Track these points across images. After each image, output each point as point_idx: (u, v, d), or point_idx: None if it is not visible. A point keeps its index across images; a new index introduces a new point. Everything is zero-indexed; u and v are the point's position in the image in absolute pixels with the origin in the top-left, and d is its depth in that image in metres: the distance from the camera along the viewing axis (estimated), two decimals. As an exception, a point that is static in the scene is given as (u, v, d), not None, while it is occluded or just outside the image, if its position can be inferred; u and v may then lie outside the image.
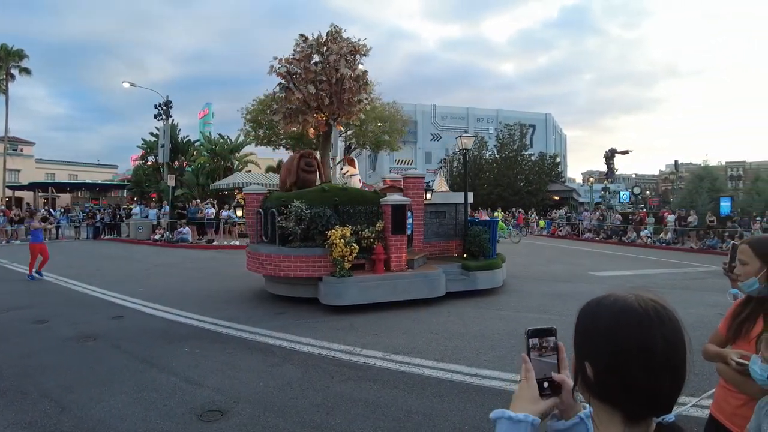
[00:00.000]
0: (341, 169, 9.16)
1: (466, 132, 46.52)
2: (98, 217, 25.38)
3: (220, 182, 25.99)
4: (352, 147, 35.42)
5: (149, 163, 34.61)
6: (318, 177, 9.54)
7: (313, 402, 4.11)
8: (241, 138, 32.52)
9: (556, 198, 38.51)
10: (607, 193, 34.86)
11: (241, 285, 10.15)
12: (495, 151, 39.33)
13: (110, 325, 6.88)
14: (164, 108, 26.35)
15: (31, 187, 46.07)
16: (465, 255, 9.79)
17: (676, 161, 51.43)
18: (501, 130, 38.93)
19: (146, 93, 28.72)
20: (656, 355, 0.84)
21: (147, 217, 23.10)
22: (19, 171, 51.39)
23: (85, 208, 28.55)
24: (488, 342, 5.92)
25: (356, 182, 9.37)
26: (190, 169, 31.82)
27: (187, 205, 23.17)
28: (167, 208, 22.63)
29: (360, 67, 10.65)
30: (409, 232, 8.82)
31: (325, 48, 10.31)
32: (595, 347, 0.90)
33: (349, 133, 32.34)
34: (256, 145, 33.72)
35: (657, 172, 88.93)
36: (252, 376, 4.77)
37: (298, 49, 10.44)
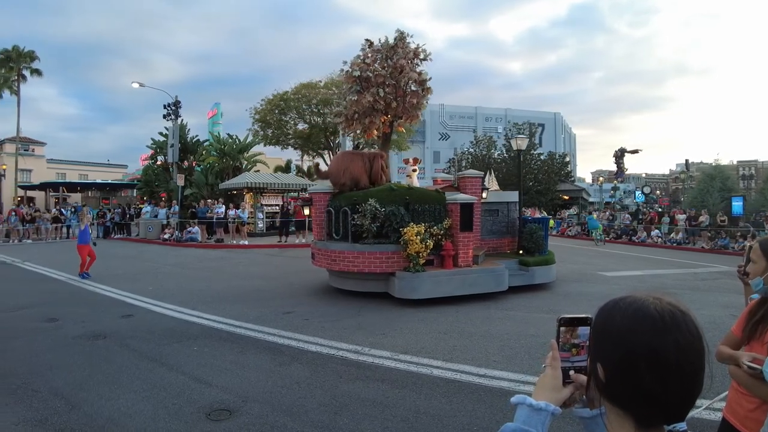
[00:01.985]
0: (409, 167, 9.60)
1: (475, 132, 46.55)
2: (108, 216, 25.61)
3: (229, 182, 26.10)
4: (361, 146, 35.46)
5: (159, 162, 34.83)
6: (384, 178, 9.80)
7: (321, 402, 4.11)
8: (250, 138, 32.66)
9: (566, 198, 38.27)
10: (622, 193, 34.54)
11: (254, 283, 10.20)
12: (504, 150, 39.13)
13: (120, 323, 6.94)
14: (173, 108, 26.53)
15: (43, 186, 46.69)
16: (520, 251, 10.30)
17: (686, 160, 51.03)
18: (510, 130, 38.72)
19: (155, 93, 28.94)
20: (668, 361, 0.81)
21: (157, 216, 23.27)
22: (30, 171, 52.06)
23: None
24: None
25: (415, 181, 9.64)
26: (199, 168, 31.99)
27: (196, 205, 23.31)
28: (176, 208, 22.79)
29: (422, 70, 11.09)
30: (470, 229, 9.25)
31: (392, 52, 10.73)
32: (607, 349, 0.87)
33: (358, 131, 32.35)
34: (265, 145, 33.91)
35: (667, 172, 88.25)
36: (260, 375, 4.78)
37: (367, 53, 10.90)
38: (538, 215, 16.45)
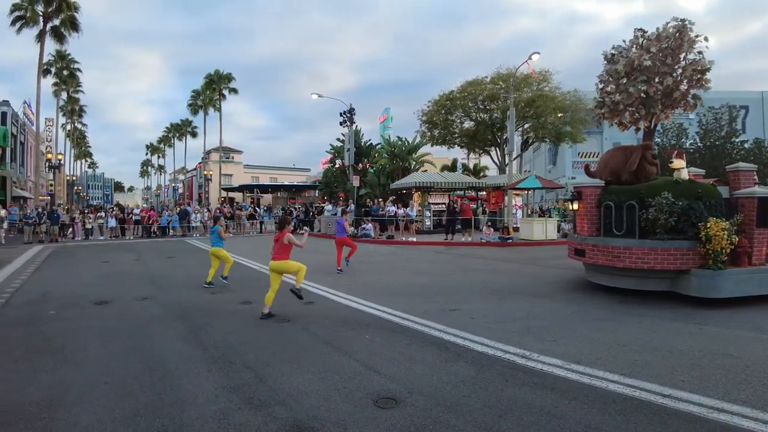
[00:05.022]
0: (669, 162, 9.23)
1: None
2: (294, 214, 28.99)
3: (398, 182, 27.31)
4: (530, 141, 34.03)
5: (337, 166, 38.01)
6: (656, 170, 9.46)
7: (485, 402, 4.04)
8: (418, 139, 33.70)
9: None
10: None
11: (421, 279, 10.51)
12: (697, 139, 33.61)
13: (302, 309, 7.65)
14: (348, 115, 28.65)
15: (241, 188, 54.89)
16: None
17: None
18: (704, 114, 32.89)
19: (330, 102, 31.61)
20: None
21: (336, 214, 25.51)
22: (231, 175, 61.73)
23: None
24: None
25: (685, 175, 9.21)
26: (372, 170, 34.11)
27: (370, 203, 24.93)
28: (353, 206, 24.66)
29: (701, 58, 10.27)
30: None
31: (671, 41, 10.27)
32: None
33: (526, 126, 31.15)
34: (432, 145, 34.65)
35: None
36: (426, 369, 4.84)
37: (640, 42, 10.54)
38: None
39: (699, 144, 33.12)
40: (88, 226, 24.97)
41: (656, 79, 10.05)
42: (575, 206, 9.61)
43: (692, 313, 7.19)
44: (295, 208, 31.41)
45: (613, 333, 6.17)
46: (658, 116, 10.60)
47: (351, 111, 28.38)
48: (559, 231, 21.34)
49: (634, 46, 10.44)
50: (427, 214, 24.09)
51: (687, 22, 10.04)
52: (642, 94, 10.18)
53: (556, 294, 8.89)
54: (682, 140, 33.99)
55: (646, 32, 10.40)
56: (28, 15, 30.42)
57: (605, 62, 10.94)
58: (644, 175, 8.97)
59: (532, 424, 3.60)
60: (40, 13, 30.87)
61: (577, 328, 6.45)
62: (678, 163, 9.18)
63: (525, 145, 33.83)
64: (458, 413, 3.81)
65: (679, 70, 10.13)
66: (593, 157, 44.50)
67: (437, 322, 6.70)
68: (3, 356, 5.39)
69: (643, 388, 4.27)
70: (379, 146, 37.15)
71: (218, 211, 28.24)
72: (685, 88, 10.21)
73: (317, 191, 46.00)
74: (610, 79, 10.75)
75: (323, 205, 30.53)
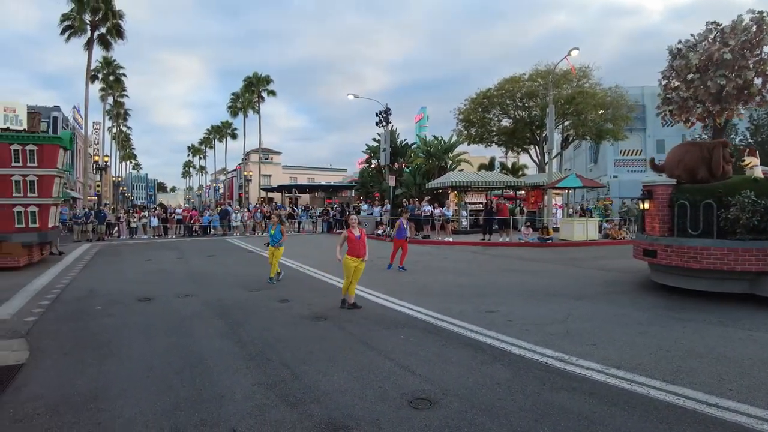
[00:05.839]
0: (741, 160, 8.99)
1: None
2: (331, 213, 29.30)
3: (435, 181, 27.17)
4: (570, 139, 33.20)
5: (373, 165, 38.19)
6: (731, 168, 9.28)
7: (521, 406, 3.95)
8: (454, 138, 33.43)
9: None
10: None
11: (457, 280, 10.43)
12: (748, 135, 31.89)
13: (338, 308, 7.72)
14: (384, 115, 28.71)
15: (279, 188, 55.91)
16: None
17: None
18: (755, 110, 31.04)
19: (366, 102, 31.73)
20: None
21: (372, 214, 25.66)
22: (270, 176, 63.00)
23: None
24: None
25: (759, 173, 8.99)
26: (408, 170, 34.06)
27: (406, 203, 24.92)
28: (388, 206, 24.71)
29: None
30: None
31: (746, 35, 9.91)
32: None
33: (566, 123, 30.43)
34: (469, 144, 34.32)
35: None
36: (461, 370, 4.78)
37: (714, 36, 10.25)
38: None
39: (750, 140, 31.51)
40: (133, 225, 25.97)
41: (732, 74, 9.62)
42: (646, 205, 9.30)
43: (742, 318, 6.85)
44: (332, 208, 31.74)
45: (655, 337, 5.94)
46: (731, 112, 10.17)
47: (387, 111, 28.42)
48: (600, 231, 20.75)
49: (706, 39, 10.08)
50: (464, 213, 23.87)
51: (765, 15, 9.62)
52: (720, 90, 9.74)
53: (596, 296, 8.63)
54: (731, 136, 32.40)
55: (720, 25, 10.03)
56: (76, 24, 32.05)
57: (669, 57, 10.58)
58: (720, 174, 8.69)
59: (570, 430, 3.51)
60: (88, 22, 32.47)
61: (618, 331, 6.24)
62: (752, 160, 8.83)
63: (565, 143, 33.05)
64: (493, 416, 3.75)
65: (754, 65, 9.68)
66: (636, 154, 43.02)
67: (473, 323, 6.62)
68: (55, 349, 5.66)
69: (687, 396, 4.09)
70: (415, 146, 37.08)
71: (258, 210, 28.94)
72: (760, 82, 9.76)
73: (353, 191, 46.34)
74: (674, 74, 10.39)
75: (360, 204, 30.73)
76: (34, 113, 15.01)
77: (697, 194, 8.45)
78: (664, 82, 10.82)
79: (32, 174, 13.11)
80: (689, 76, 10.02)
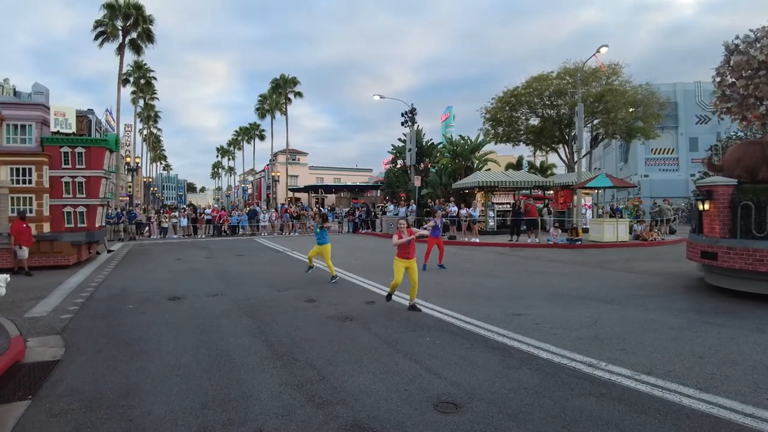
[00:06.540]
0: None
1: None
2: (357, 214, 29.41)
3: (461, 181, 26.99)
4: (600, 137, 32.52)
5: (399, 166, 38.15)
6: None
7: (548, 412, 3.90)
8: (481, 137, 33.13)
9: None
10: None
11: (484, 282, 10.34)
12: None
13: (364, 309, 7.75)
14: (410, 115, 28.68)
15: (306, 189, 56.41)
16: None
17: None
18: None
19: (392, 102, 31.77)
20: None
21: (397, 214, 25.61)
22: (297, 176, 63.62)
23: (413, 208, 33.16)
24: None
25: None
26: (434, 170, 33.91)
27: (432, 203, 24.85)
28: (414, 207, 24.66)
29: None
30: None
31: None
32: None
33: (595, 122, 29.82)
34: (496, 143, 33.97)
35: None
36: (488, 374, 4.74)
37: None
38: None
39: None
40: (164, 225, 26.64)
41: None
42: (706, 206, 9.03)
43: (784, 323, 6.59)
44: (357, 208, 31.88)
45: (688, 343, 5.76)
46: None
47: (412, 111, 28.38)
48: (631, 232, 20.26)
49: (767, 35, 9.70)
50: (491, 214, 23.65)
51: None
52: None
53: (627, 300, 8.42)
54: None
55: None
56: (109, 30, 33.31)
57: (725, 53, 10.25)
58: None
59: (601, 438, 3.44)
60: (120, 28, 33.70)
61: (649, 336, 6.08)
62: None
63: (594, 141, 32.40)
64: (520, 422, 3.70)
65: None
66: (668, 153, 41.82)
67: (500, 326, 6.56)
68: (89, 346, 5.85)
69: (721, 405, 3.96)
70: (441, 145, 36.87)
71: (286, 210, 29.29)
72: None
73: (379, 191, 46.40)
74: (730, 70, 10.07)
75: (385, 204, 30.77)
76: (82, 117, 15.58)
77: (762, 195, 8.21)
78: (718, 79, 10.49)
79: (80, 175, 13.68)
80: (748, 73, 9.65)
